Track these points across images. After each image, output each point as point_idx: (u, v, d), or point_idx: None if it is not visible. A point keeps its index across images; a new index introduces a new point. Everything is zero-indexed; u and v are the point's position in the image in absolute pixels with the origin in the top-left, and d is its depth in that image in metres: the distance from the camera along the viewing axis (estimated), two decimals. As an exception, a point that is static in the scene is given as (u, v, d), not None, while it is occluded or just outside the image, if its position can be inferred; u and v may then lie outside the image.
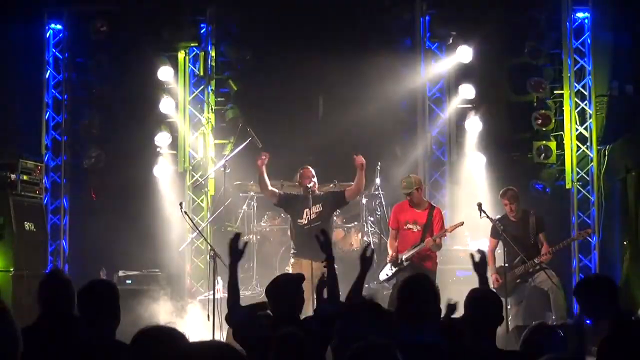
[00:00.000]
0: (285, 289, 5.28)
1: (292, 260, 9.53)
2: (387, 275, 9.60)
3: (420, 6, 11.87)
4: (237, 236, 5.42)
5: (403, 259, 9.39)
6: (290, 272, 9.13)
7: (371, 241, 11.12)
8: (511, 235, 9.44)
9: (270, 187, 9.68)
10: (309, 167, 9.69)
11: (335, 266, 5.43)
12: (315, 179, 9.59)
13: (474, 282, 5.24)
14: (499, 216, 9.83)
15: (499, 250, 9.53)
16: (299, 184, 9.75)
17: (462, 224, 9.69)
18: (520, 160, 11.81)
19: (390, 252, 9.63)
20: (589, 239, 11.48)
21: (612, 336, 4.66)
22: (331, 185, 10.77)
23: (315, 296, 5.45)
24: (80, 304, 4.25)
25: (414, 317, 4.14)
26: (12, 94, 11.82)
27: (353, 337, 3.87)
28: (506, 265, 9.36)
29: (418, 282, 4.48)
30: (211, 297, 9.17)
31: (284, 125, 11.76)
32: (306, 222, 9.39)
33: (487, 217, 9.42)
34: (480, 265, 5.28)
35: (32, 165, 10.74)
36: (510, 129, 12.00)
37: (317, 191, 9.65)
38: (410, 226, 9.51)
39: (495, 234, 9.68)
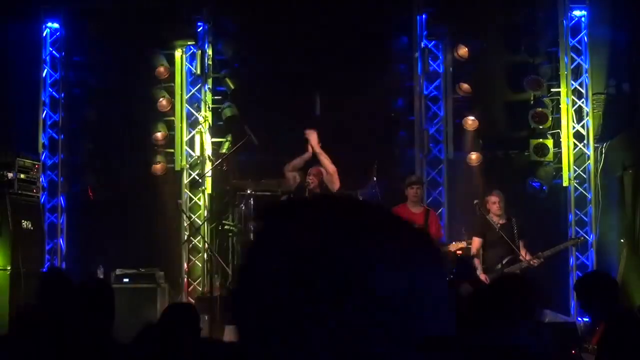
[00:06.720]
0: None
1: None
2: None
3: (417, 4, 11.88)
4: None
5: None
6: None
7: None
8: (498, 236, 9.45)
9: (295, 173, 9.70)
10: (320, 167, 9.69)
11: None
12: (317, 178, 9.56)
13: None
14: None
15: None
16: None
17: (466, 245, 9.68)
18: (517, 158, 11.81)
19: None
20: (586, 237, 11.51)
21: (611, 334, 4.68)
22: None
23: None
24: (74, 303, 4.24)
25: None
26: (8, 93, 11.80)
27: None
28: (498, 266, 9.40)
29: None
30: (209, 295, 9.18)
31: (281, 123, 11.74)
32: None
33: (485, 215, 9.42)
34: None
35: (29, 164, 10.72)
36: (507, 127, 12.00)
37: (316, 190, 9.63)
38: None
39: (480, 232, 9.69)
